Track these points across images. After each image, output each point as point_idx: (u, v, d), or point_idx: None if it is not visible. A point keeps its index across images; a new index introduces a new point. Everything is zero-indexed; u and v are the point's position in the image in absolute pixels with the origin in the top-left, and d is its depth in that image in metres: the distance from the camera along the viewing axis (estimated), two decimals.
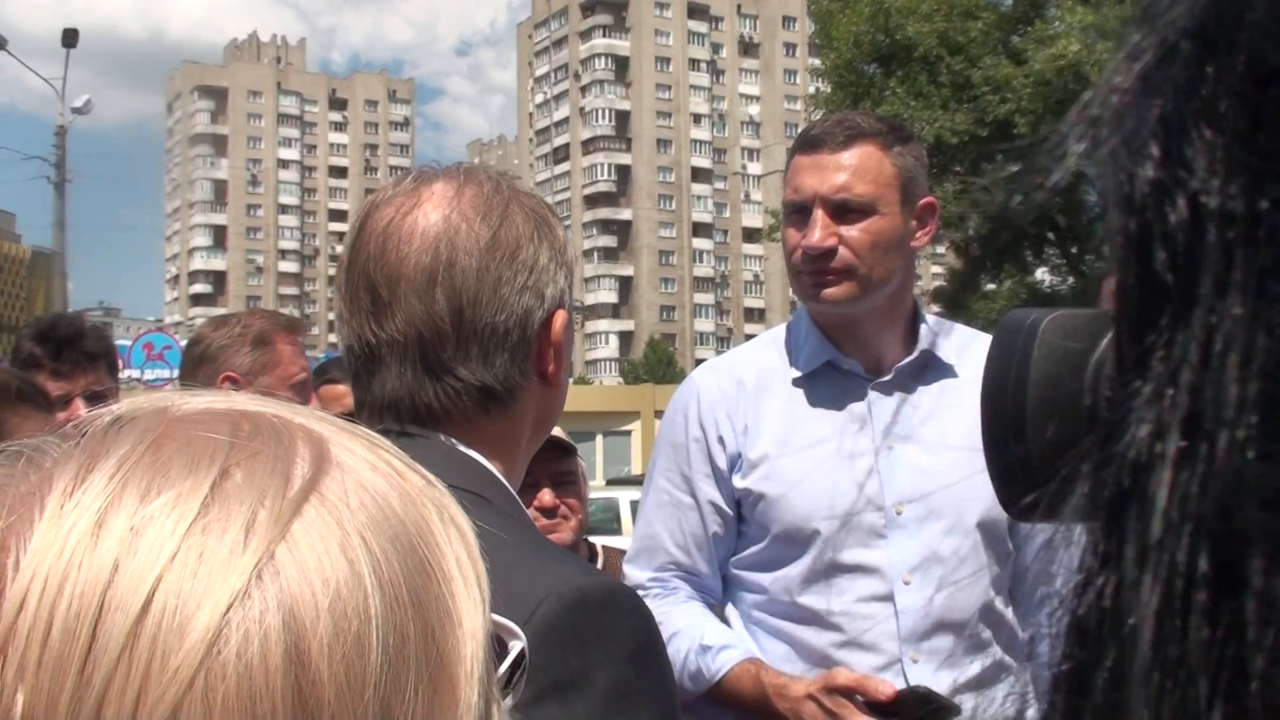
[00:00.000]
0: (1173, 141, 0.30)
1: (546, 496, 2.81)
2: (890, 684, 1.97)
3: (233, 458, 0.53)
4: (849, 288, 2.14)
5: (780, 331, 2.34)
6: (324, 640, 0.50)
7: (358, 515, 0.54)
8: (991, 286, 31.21)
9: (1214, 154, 0.29)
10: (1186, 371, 0.30)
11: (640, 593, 1.98)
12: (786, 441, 2.17)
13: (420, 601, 0.53)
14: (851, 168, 2.14)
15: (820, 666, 2.07)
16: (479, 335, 1.31)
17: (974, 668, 2.12)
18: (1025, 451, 0.71)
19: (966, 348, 2.28)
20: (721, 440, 2.20)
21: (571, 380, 1.49)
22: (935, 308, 37.20)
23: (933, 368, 2.23)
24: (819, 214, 2.14)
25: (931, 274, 75.97)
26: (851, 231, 2.13)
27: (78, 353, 3.06)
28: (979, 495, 2.13)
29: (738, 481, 2.19)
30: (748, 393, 2.23)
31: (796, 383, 2.23)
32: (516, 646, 0.66)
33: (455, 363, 1.31)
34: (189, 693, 0.47)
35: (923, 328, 2.25)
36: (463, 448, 1.31)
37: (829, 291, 2.14)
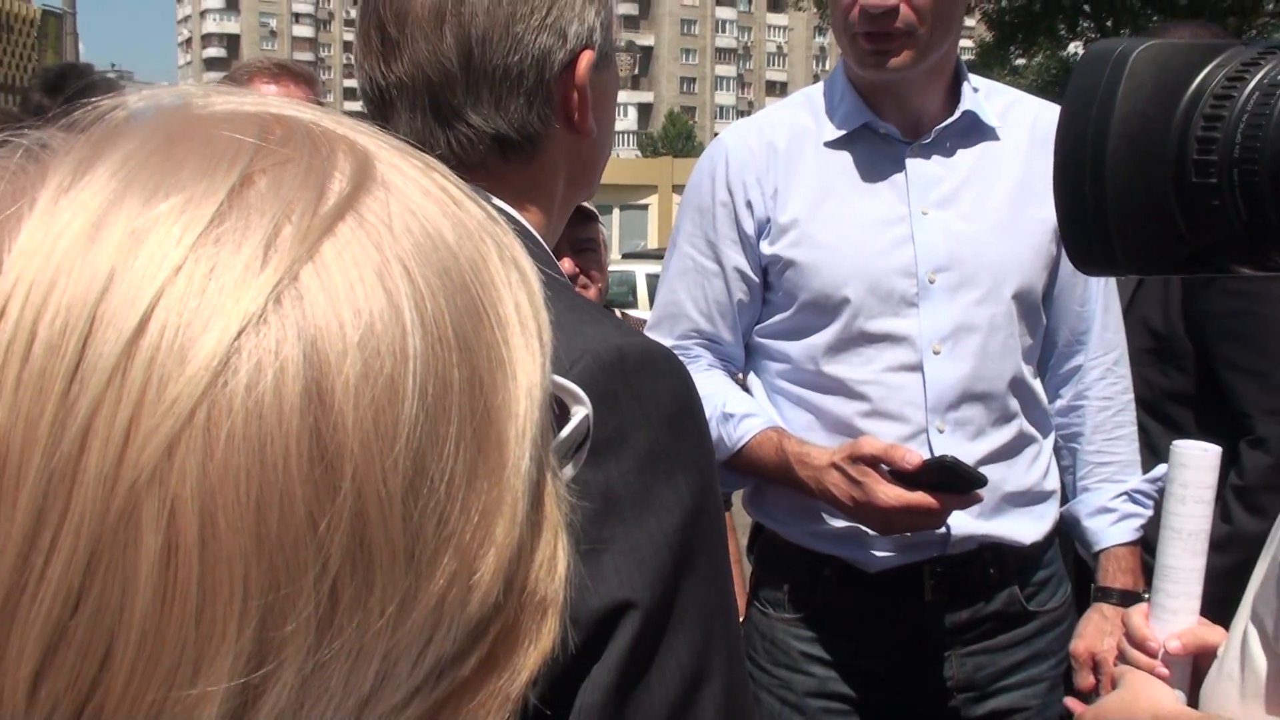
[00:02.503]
0: None
1: (568, 263, 2.75)
2: (917, 453, 1.96)
3: (258, 163, 0.45)
4: (909, 55, 2.03)
5: (815, 91, 2.24)
6: (350, 380, 0.42)
7: (402, 241, 0.46)
8: (1021, 61, 30.38)
9: None
10: None
11: None
12: (818, 206, 2.11)
13: (469, 346, 0.46)
14: None
15: (844, 436, 2.06)
16: (490, 77, 1.21)
17: (999, 438, 2.11)
18: (1100, 195, 0.69)
19: (1010, 109, 2.19)
20: (750, 204, 2.13)
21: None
22: None
23: (974, 130, 2.15)
24: None
25: (960, 47, 73.93)
26: None
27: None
28: (1016, 263, 2.10)
29: (765, 247, 2.13)
30: (779, 155, 2.14)
31: (830, 145, 2.14)
32: (580, 413, 0.60)
33: (465, 108, 1.22)
34: (188, 427, 0.40)
35: (965, 87, 2.15)
36: (492, 198, 1.21)
37: (891, 61, 2.03)
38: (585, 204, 2.76)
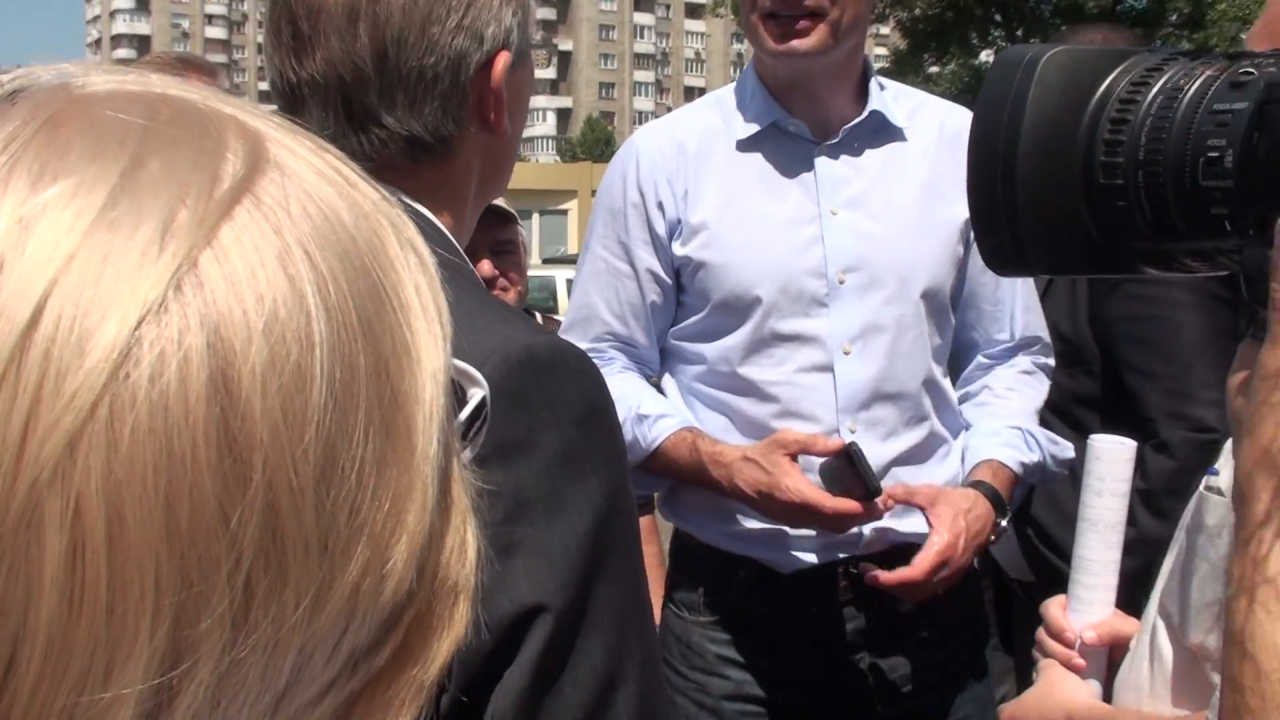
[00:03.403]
0: None
1: (486, 266, 2.73)
2: (837, 440, 1.99)
3: (148, 144, 0.43)
4: (821, 36, 2.02)
5: (726, 92, 2.24)
6: (256, 368, 0.41)
7: (300, 224, 0.44)
8: (935, 69, 30.83)
9: None
10: None
11: None
12: (728, 207, 2.11)
13: (373, 331, 0.45)
14: None
15: (758, 438, 2.06)
16: (404, 80, 1.19)
17: (911, 438, 2.13)
18: (1012, 197, 0.71)
19: (918, 110, 2.21)
20: (661, 205, 2.13)
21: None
22: None
23: (882, 130, 2.16)
24: None
25: (875, 55, 74.88)
26: None
27: None
28: (924, 262, 2.11)
29: (677, 248, 2.12)
30: (689, 156, 2.14)
31: (740, 146, 2.14)
32: (477, 394, 0.59)
33: (379, 110, 1.20)
34: (90, 422, 0.39)
35: (872, 87, 2.16)
36: (404, 197, 1.19)
37: (800, 43, 2.01)
38: (504, 206, 2.74)
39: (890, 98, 2.18)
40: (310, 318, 0.43)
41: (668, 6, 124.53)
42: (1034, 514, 2.55)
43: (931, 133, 2.18)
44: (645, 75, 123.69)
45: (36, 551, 0.38)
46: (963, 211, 2.14)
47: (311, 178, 0.47)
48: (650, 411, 2.11)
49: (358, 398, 0.44)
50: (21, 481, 0.38)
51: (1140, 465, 2.41)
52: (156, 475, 0.39)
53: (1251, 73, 0.66)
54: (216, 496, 0.40)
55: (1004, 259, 0.75)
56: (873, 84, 2.16)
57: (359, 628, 0.46)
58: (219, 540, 0.41)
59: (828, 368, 2.08)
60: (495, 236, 2.76)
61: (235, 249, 0.42)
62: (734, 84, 2.24)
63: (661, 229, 2.13)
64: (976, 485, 2.09)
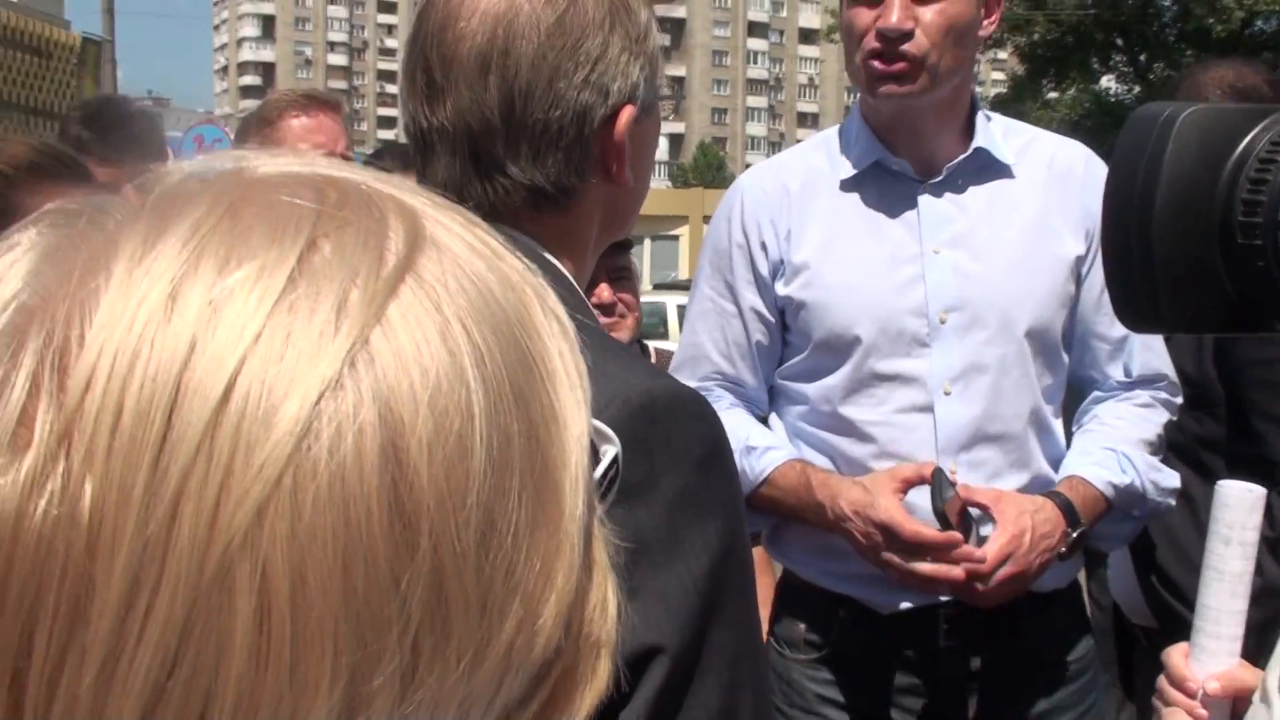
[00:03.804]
0: None
1: (605, 292, 2.71)
2: (929, 463, 2.00)
3: (320, 227, 0.46)
4: (922, 82, 2.02)
5: (832, 134, 2.25)
6: (424, 438, 0.44)
7: (457, 299, 0.47)
8: (1054, 94, 30.34)
9: None
10: None
11: None
12: (830, 246, 2.11)
13: (524, 399, 0.48)
14: None
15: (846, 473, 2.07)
16: (529, 131, 1.21)
17: (1016, 480, 2.09)
18: (1148, 255, 0.70)
19: (1028, 147, 2.18)
20: (764, 246, 2.14)
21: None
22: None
23: (988, 167, 2.13)
24: None
25: (991, 79, 73.95)
26: (927, 14, 2.00)
27: (127, 137, 3.00)
28: (1029, 301, 2.08)
29: (780, 288, 2.13)
30: (792, 197, 2.15)
31: (844, 185, 2.14)
32: (610, 452, 0.61)
33: (505, 159, 1.22)
34: (276, 492, 0.42)
35: (979, 122, 2.14)
36: (532, 243, 1.22)
37: (898, 87, 2.02)
38: None
39: (999, 133, 2.16)
40: (470, 389, 0.45)
41: (781, 32, 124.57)
42: (1158, 559, 2.49)
43: (1041, 168, 2.15)
44: (758, 101, 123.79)
45: (228, 613, 0.41)
46: (1074, 248, 2.12)
47: (464, 253, 0.49)
48: (759, 443, 2.12)
49: (513, 464, 0.47)
50: (215, 547, 0.41)
51: (1269, 513, 2.34)
52: (335, 541, 0.42)
53: None
54: (388, 560, 0.43)
55: (1139, 315, 0.74)
56: (979, 119, 2.14)
57: (512, 683, 0.48)
58: (390, 602, 0.43)
59: (928, 408, 2.06)
60: (613, 262, 2.74)
61: (401, 326, 0.45)
62: (839, 126, 2.25)
63: (765, 269, 2.14)
64: (1050, 495, 2.06)
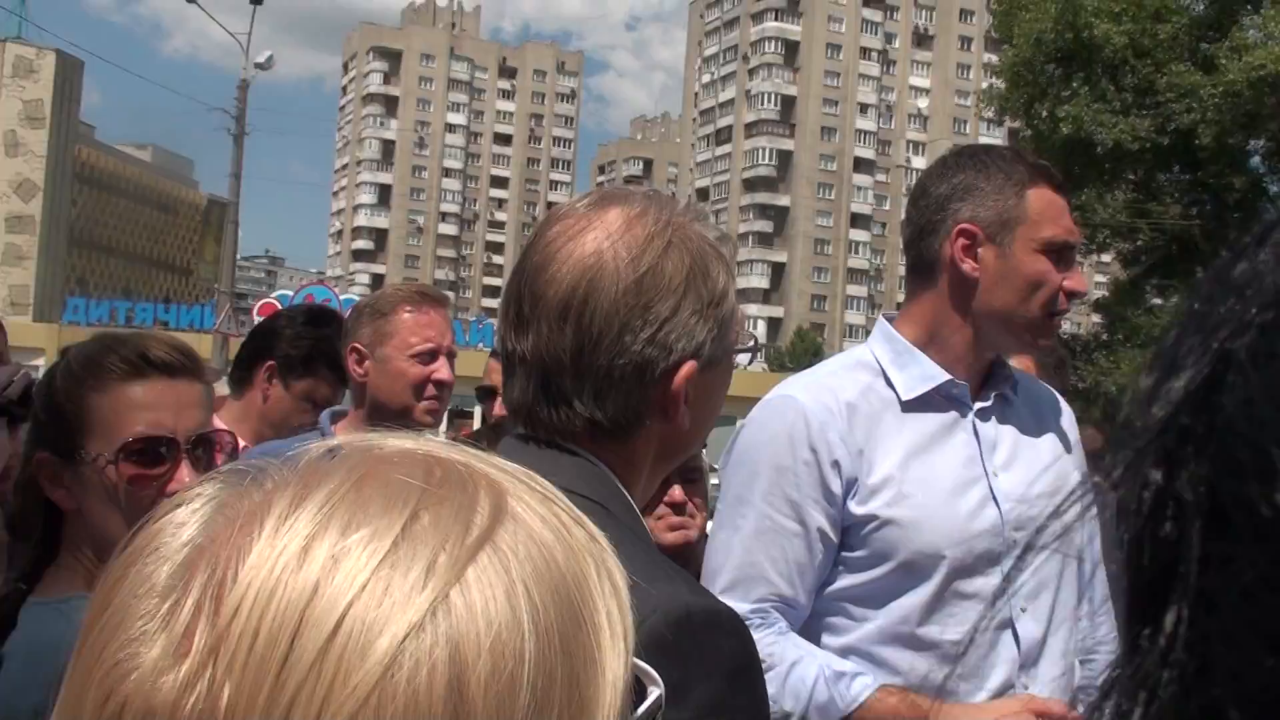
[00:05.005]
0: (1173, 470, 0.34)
1: (678, 492, 2.81)
2: (1058, 701, 2.02)
3: (423, 502, 0.59)
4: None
5: (864, 354, 2.27)
6: (482, 676, 0.55)
7: (524, 566, 0.59)
8: (1158, 301, 30.18)
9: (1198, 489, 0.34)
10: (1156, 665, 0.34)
11: None
12: (907, 466, 2.13)
13: (570, 649, 0.59)
14: None
15: (932, 696, 2.05)
16: (594, 374, 1.34)
17: (1062, 693, 2.13)
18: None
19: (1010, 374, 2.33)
20: (836, 464, 2.11)
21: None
22: (1097, 318, 36.09)
23: (1009, 387, 2.26)
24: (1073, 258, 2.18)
25: (1094, 282, 73.89)
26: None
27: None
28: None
29: (855, 507, 2.11)
30: (859, 415, 2.15)
31: (906, 406, 2.17)
32: (654, 693, 0.69)
33: (571, 394, 1.35)
34: (364, 708, 0.53)
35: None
36: (594, 461, 1.36)
37: (1048, 342, 2.24)
38: None
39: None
40: (524, 639, 0.57)
41: (883, 224, 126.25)
42: None
43: (1030, 397, 2.31)
44: (858, 290, 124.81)
45: None
46: (1075, 475, 2.23)
47: (537, 525, 0.62)
48: (846, 669, 2.07)
49: (554, 701, 0.57)
50: None
51: None
52: None
53: None
54: None
55: None
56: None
57: None
58: None
59: (1008, 625, 2.10)
60: (687, 463, 2.81)
61: (476, 585, 0.57)
62: (871, 347, 2.28)
63: (837, 487, 2.11)
64: None
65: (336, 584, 0.55)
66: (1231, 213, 28.55)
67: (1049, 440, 2.25)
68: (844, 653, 2.14)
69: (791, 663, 2.03)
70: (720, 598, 2.02)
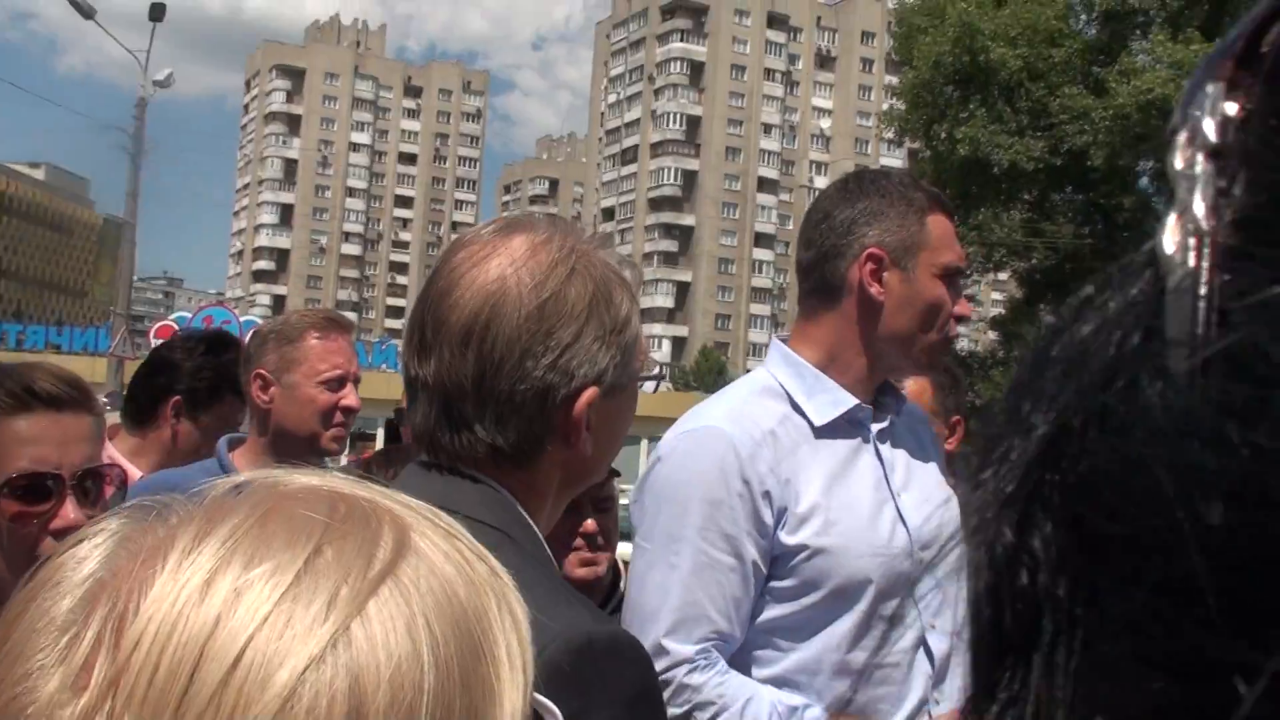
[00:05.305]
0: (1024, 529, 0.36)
1: (591, 524, 2.80)
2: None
3: (326, 537, 0.60)
4: None
5: (767, 380, 2.25)
6: (381, 708, 0.56)
7: (426, 599, 0.60)
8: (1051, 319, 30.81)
9: (1049, 549, 0.35)
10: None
11: (687, 667, 1.98)
12: (830, 493, 2.12)
13: (469, 682, 0.60)
14: None
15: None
16: (496, 399, 1.35)
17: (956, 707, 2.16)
18: None
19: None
20: (768, 495, 2.08)
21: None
22: (992, 335, 36.81)
23: (896, 409, 2.30)
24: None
25: (991, 300, 75.36)
26: None
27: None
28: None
29: (785, 537, 2.08)
30: (782, 444, 2.13)
31: (819, 432, 2.17)
32: None
33: (472, 419, 1.36)
34: None
35: None
36: (497, 488, 1.37)
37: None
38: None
39: None
40: (423, 671, 0.58)
41: (786, 244, 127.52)
42: None
43: (906, 416, 2.35)
44: (761, 309, 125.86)
45: None
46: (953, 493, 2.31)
47: (440, 560, 0.63)
48: (796, 703, 2.05)
49: None
50: None
51: None
52: None
53: None
54: None
55: None
56: None
57: None
58: None
59: (922, 643, 2.13)
60: (599, 492, 2.79)
61: (377, 618, 0.58)
62: (775, 372, 2.25)
63: (768, 518, 2.08)
64: None
65: (238, 617, 0.56)
66: (1121, 231, 29.33)
67: (930, 456, 2.31)
68: (774, 684, 2.12)
69: (744, 701, 2.00)
70: (664, 641, 2.02)
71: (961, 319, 2.21)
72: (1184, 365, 0.31)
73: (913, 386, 3.18)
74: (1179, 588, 0.30)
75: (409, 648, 0.58)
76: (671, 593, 2.07)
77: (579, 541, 2.72)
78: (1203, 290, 0.31)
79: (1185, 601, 0.30)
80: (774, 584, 2.10)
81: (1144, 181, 30.73)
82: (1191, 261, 0.32)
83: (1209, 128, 0.33)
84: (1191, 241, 0.32)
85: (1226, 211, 0.32)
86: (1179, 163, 0.33)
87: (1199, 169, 0.32)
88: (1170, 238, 0.33)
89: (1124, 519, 0.32)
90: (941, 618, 2.15)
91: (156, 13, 26.31)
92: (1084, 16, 30.04)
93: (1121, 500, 0.32)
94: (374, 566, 0.60)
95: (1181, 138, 0.33)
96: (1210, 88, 0.33)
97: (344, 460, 5.00)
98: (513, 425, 1.35)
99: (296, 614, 0.57)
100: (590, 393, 1.36)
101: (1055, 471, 0.35)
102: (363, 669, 0.56)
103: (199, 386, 3.39)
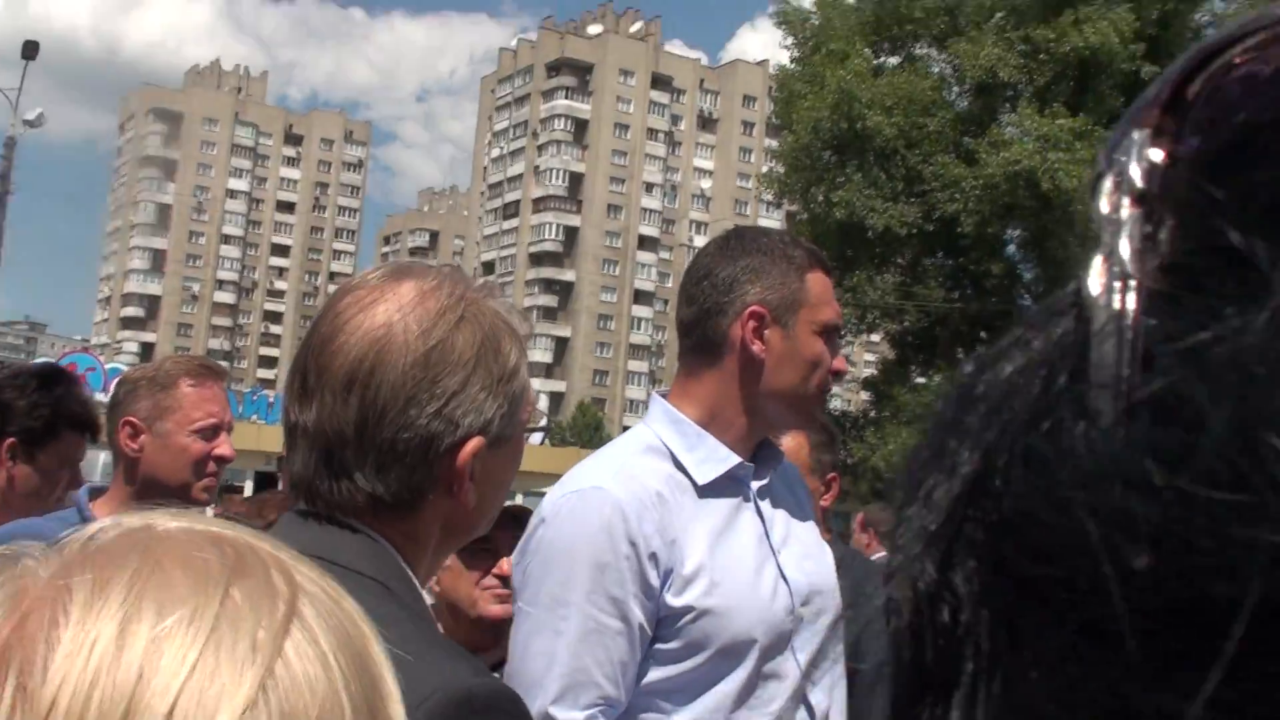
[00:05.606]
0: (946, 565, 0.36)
1: (507, 565, 2.77)
2: None
3: (229, 580, 0.60)
4: None
5: (649, 437, 2.24)
6: None
7: (329, 636, 0.62)
8: (921, 380, 31.55)
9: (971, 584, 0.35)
10: None
11: None
12: (714, 553, 2.11)
13: (373, 711, 0.63)
14: None
15: None
16: (377, 447, 1.32)
17: None
18: None
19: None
20: (654, 556, 2.06)
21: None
22: (866, 395, 37.47)
23: (774, 465, 2.32)
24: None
25: (864, 361, 76.67)
26: None
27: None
28: (834, 586, 2.28)
29: (671, 599, 2.06)
30: (668, 505, 2.11)
31: (702, 492, 2.17)
32: None
33: (352, 468, 1.33)
34: None
35: None
36: (376, 538, 1.34)
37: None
38: (520, 507, 2.83)
39: None
40: (342, 706, 0.60)
41: (665, 301, 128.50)
42: None
43: (782, 472, 2.36)
44: (639, 365, 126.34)
45: None
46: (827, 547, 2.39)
47: (324, 599, 0.65)
48: None
49: None
50: None
51: None
52: None
53: None
54: None
55: None
56: None
57: None
58: None
59: (801, 699, 2.15)
60: (514, 534, 2.77)
61: (295, 658, 0.59)
62: (656, 429, 2.25)
63: (655, 580, 2.06)
64: None
65: (164, 667, 0.55)
66: (989, 297, 30.18)
67: (807, 513, 2.34)
68: None
69: None
70: (550, 710, 1.99)
71: (839, 375, 2.24)
72: (1109, 408, 0.32)
73: (789, 443, 3.22)
74: (1102, 631, 0.31)
75: (327, 685, 0.59)
76: (558, 659, 2.03)
77: (490, 581, 2.72)
78: (1128, 334, 0.32)
79: (1108, 645, 0.30)
80: (659, 646, 2.08)
81: (1011, 249, 31.73)
82: (1116, 304, 0.32)
83: (1135, 173, 0.33)
84: (1117, 284, 0.33)
85: (1153, 257, 0.32)
86: (1105, 207, 0.34)
87: (1124, 213, 0.33)
88: (1096, 280, 0.33)
89: (1047, 561, 0.32)
90: (818, 672, 2.17)
91: (30, 50, 25.70)
92: (956, 88, 31.00)
93: (1045, 542, 0.32)
94: (279, 607, 0.60)
95: (1108, 183, 0.34)
96: (1136, 134, 0.34)
97: (210, 512, 4.87)
98: (394, 474, 1.32)
99: (222, 659, 0.56)
100: (475, 442, 1.34)
101: (979, 510, 0.35)
102: (293, 708, 0.57)
103: (34, 425, 3.15)
